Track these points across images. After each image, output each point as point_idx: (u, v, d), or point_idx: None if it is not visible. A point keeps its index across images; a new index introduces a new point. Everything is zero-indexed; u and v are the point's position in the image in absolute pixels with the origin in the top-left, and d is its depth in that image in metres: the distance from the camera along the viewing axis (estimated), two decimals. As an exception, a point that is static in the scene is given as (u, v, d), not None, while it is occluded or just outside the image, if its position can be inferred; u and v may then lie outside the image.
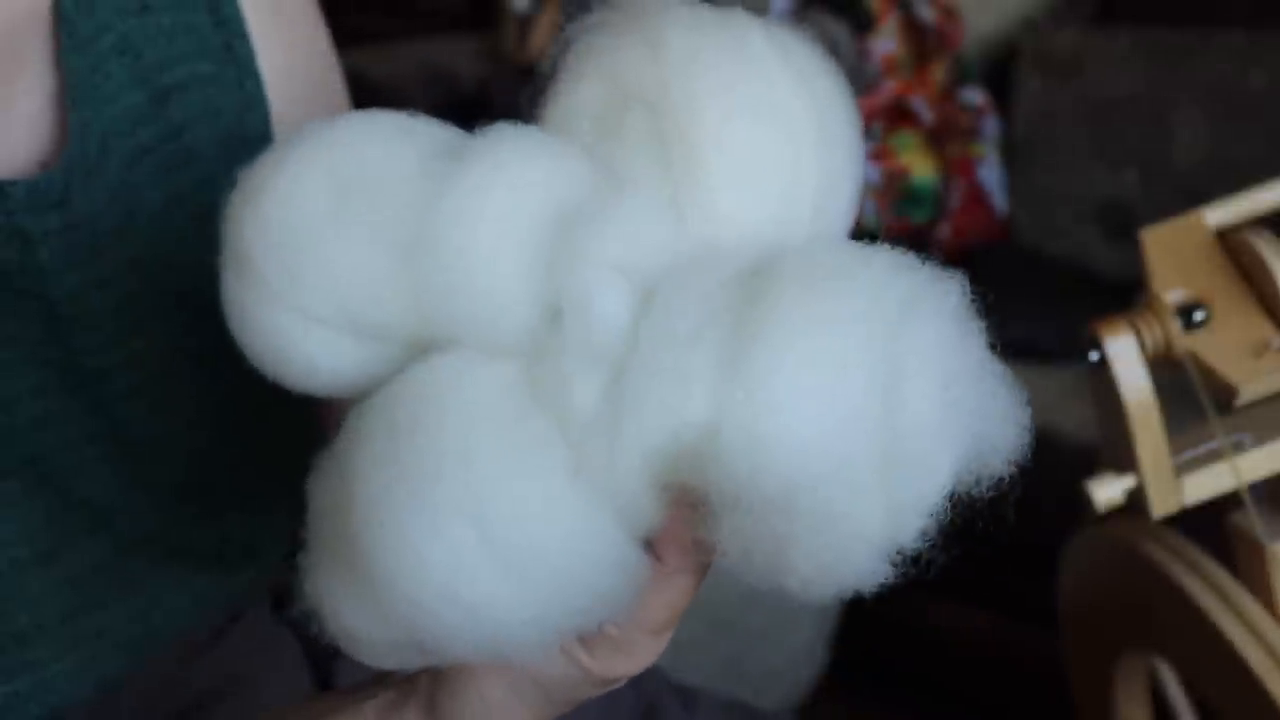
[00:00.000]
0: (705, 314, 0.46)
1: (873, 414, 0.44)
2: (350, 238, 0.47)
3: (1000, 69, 2.16)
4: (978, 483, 0.47)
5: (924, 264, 0.48)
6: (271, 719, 0.61)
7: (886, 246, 0.49)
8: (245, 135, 0.71)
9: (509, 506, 0.44)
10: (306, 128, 0.49)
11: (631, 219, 0.47)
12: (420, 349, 0.48)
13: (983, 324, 0.48)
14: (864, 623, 1.79)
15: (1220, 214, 0.81)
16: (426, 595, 0.45)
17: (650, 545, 0.49)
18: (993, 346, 0.48)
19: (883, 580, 0.47)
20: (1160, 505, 0.80)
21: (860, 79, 2.16)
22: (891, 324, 0.45)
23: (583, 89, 0.51)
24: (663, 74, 0.49)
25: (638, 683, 0.85)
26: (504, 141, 0.48)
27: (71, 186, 0.62)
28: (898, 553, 0.46)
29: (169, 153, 0.68)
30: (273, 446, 0.74)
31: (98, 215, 0.64)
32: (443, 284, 0.47)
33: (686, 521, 0.47)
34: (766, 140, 0.49)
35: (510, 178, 0.47)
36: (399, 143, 0.49)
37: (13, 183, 0.61)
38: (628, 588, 0.48)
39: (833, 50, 2.22)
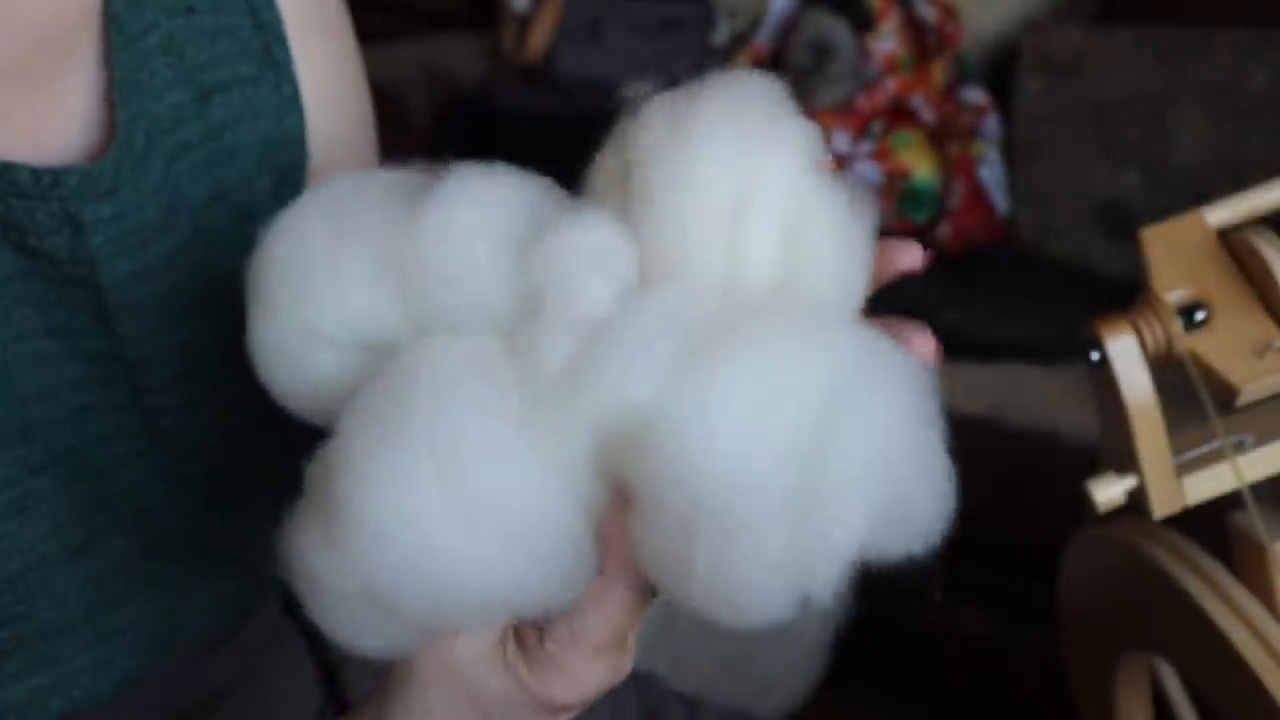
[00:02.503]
0: (681, 317, 0.48)
1: (801, 447, 0.46)
2: (345, 261, 0.53)
3: (1001, 68, 2.16)
4: (890, 551, 0.48)
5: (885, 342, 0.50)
6: None
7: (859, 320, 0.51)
8: (283, 137, 0.73)
9: (466, 446, 0.48)
10: (309, 190, 0.57)
11: (606, 227, 0.51)
12: None
13: (935, 405, 0.49)
14: (865, 624, 1.79)
15: (1221, 213, 0.81)
16: (382, 522, 0.48)
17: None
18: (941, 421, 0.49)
19: (770, 622, 0.47)
20: (1161, 506, 0.80)
21: (860, 78, 2.16)
22: (848, 380, 0.47)
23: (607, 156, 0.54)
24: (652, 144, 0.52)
25: (641, 690, 0.85)
26: (471, 172, 0.54)
27: (121, 177, 0.64)
28: (803, 597, 0.47)
29: (210, 151, 0.69)
30: (301, 445, 0.75)
31: (143, 207, 0.65)
32: (424, 286, 0.52)
33: (625, 525, 0.48)
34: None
35: (475, 193, 0.53)
36: (385, 187, 0.56)
37: (67, 170, 0.62)
38: (573, 568, 0.49)
39: (833, 50, 2.23)
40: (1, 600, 0.63)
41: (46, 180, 0.61)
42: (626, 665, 0.54)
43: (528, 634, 0.53)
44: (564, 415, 0.48)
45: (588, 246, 0.50)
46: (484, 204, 0.53)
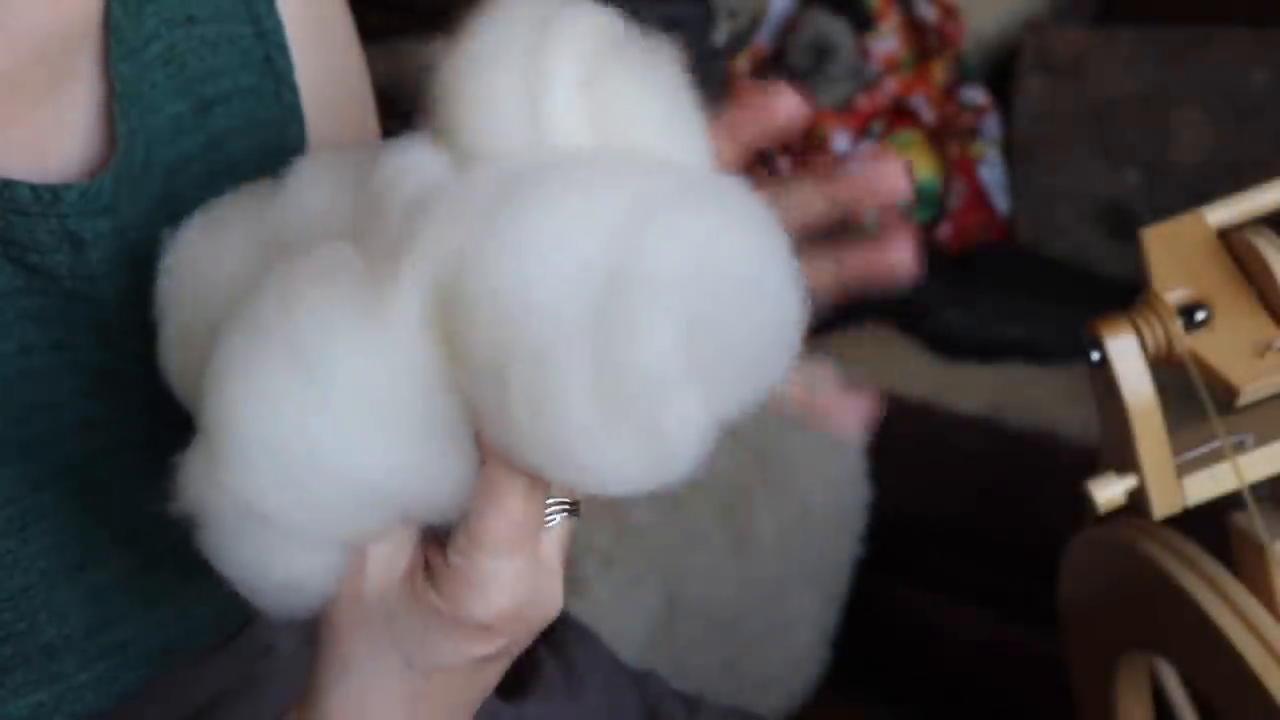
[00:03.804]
0: (492, 179, 0.49)
1: (595, 272, 0.46)
2: (224, 250, 0.55)
3: (1001, 68, 2.16)
4: (741, 395, 0.48)
5: (733, 180, 0.50)
6: None
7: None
8: (284, 147, 0.72)
9: (315, 330, 0.48)
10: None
11: (422, 137, 0.53)
12: None
13: (786, 244, 0.48)
14: (864, 623, 1.79)
15: (1222, 213, 0.81)
16: (247, 421, 0.48)
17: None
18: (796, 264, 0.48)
19: (633, 487, 0.47)
20: (1162, 506, 0.80)
21: (860, 78, 2.16)
22: (653, 209, 0.47)
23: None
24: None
25: (641, 690, 0.85)
26: (303, 159, 0.58)
27: (120, 192, 0.64)
28: (660, 451, 0.46)
29: (211, 162, 0.69)
30: None
31: (144, 222, 0.65)
32: (288, 239, 0.54)
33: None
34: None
35: (326, 156, 0.57)
36: (263, 185, 0.58)
37: (67, 187, 0.62)
38: (448, 452, 0.49)
39: (833, 50, 2.23)
40: (3, 617, 0.63)
41: (46, 197, 0.61)
42: (554, 589, 0.53)
43: (434, 556, 0.52)
44: (395, 285, 0.48)
45: (408, 150, 0.52)
46: (334, 162, 0.56)
